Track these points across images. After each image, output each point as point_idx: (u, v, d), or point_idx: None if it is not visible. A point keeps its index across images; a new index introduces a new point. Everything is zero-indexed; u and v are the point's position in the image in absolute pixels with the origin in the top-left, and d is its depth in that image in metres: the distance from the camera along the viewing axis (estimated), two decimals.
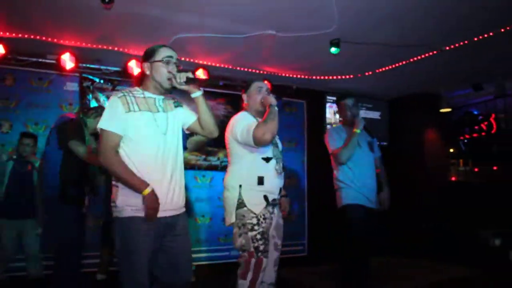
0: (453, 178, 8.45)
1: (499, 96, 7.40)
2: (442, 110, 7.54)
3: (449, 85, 7.15)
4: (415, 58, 5.68)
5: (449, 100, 7.58)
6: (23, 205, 4.72)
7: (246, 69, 6.25)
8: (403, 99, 7.89)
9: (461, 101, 7.99)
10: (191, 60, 5.85)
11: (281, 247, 3.45)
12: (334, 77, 6.61)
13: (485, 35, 4.91)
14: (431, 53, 5.44)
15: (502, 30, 4.76)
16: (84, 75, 5.85)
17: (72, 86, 5.85)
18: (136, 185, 2.46)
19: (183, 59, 5.75)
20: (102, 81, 5.94)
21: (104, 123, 2.51)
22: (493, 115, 7.68)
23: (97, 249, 5.33)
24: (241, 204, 3.19)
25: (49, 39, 5.13)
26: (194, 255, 6.02)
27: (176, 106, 2.83)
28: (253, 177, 3.21)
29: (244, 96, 3.53)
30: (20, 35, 5.02)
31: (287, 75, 6.52)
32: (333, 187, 4.33)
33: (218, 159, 6.63)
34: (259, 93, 3.40)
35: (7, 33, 4.97)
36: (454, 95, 7.69)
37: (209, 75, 6.00)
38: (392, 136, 7.97)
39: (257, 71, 6.32)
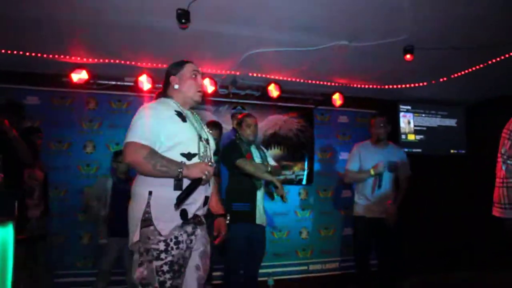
0: None
1: None
2: None
3: None
4: (493, 60, 5.44)
5: None
6: (126, 224, 4.87)
7: (317, 82, 6.22)
8: (481, 104, 7.55)
9: None
10: (264, 76, 5.92)
11: (204, 281, 2.72)
12: (407, 86, 6.45)
13: None
14: (510, 54, 5.21)
15: None
16: None
17: None
18: None
19: (255, 74, 5.84)
20: None
21: None
22: None
23: None
24: (147, 220, 2.44)
25: (127, 62, 5.36)
26: (272, 270, 6.08)
27: None
28: (167, 179, 2.47)
29: (174, 80, 2.77)
30: (100, 60, 5.28)
31: (358, 85, 6.44)
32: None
33: (293, 173, 6.64)
34: (195, 79, 2.78)
35: (90, 59, 5.25)
36: None
37: (281, 90, 6.04)
38: (470, 144, 7.64)
39: (329, 83, 6.28)
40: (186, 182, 2.46)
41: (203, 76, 2.92)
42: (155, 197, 2.46)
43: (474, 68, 5.71)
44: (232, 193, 4.34)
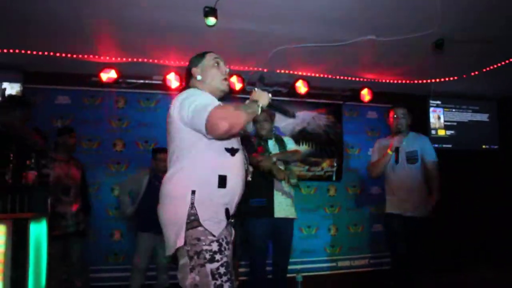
0: None
1: None
2: None
3: None
4: None
5: None
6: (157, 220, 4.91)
7: (345, 78, 6.17)
8: None
9: None
10: (291, 72, 5.90)
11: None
12: (437, 80, 6.35)
13: None
14: None
15: None
16: None
17: None
18: None
19: (282, 71, 5.83)
20: None
21: None
22: None
23: None
24: (194, 222, 2.22)
25: (155, 61, 5.42)
26: (300, 266, 6.06)
27: None
28: (211, 176, 2.30)
29: (196, 71, 2.58)
30: (129, 59, 5.34)
31: (387, 81, 6.37)
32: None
33: (322, 169, 6.61)
34: (217, 67, 2.59)
35: (118, 58, 5.31)
36: None
37: (309, 86, 6.02)
38: (503, 139, 7.48)
39: (357, 79, 6.23)
40: (229, 178, 2.33)
41: (228, 67, 2.66)
42: (199, 198, 2.25)
43: (507, 61, 5.58)
44: (249, 189, 4.33)
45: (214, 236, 2.22)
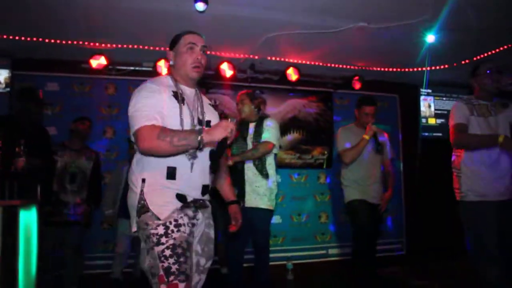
0: None
1: None
2: None
3: None
4: None
5: None
6: None
7: (336, 65, 6.17)
8: None
9: None
10: (282, 59, 5.88)
11: (207, 268, 2.53)
12: (428, 68, 6.35)
13: None
14: None
15: None
16: None
17: None
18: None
19: (273, 58, 5.80)
20: None
21: None
22: None
23: None
24: (143, 208, 2.28)
25: (145, 47, 5.37)
26: (290, 254, 6.08)
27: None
28: (161, 167, 2.31)
29: (171, 55, 2.49)
30: (119, 46, 5.29)
31: (378, 69, 6.36)
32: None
33: (312, 157, 6.63)
34: (191, 52, 2.41)
35: (108, 45, 5.26)
36: None
37: (300, 74, 6.01)
38: None
39: (348, 67, 6.22)
40: (180, 169, 2.31)
41: (208, 50, 2.46)
42: (148, 184, 2.30)
43: (497, 50, 5.59)
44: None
45: (159, 219, 2.25)
